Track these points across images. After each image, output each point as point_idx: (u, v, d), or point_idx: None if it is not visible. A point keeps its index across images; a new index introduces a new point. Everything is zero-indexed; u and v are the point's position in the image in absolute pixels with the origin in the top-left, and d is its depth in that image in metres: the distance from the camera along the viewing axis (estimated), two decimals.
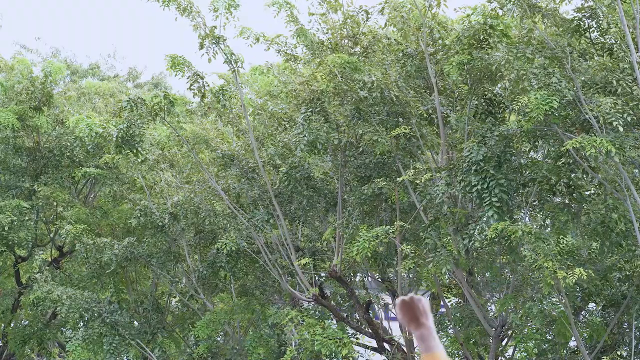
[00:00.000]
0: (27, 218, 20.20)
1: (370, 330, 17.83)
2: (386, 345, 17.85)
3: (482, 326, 16.04)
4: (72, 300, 18.56)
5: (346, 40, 16.82)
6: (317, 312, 17.82)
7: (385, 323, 19.67)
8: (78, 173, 19.91)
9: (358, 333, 18.57)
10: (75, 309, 18.51)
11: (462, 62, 14.37)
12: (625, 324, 16.48)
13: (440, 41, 15.61)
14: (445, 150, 15.88)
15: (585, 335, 16.46)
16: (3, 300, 22.97)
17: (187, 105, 20.16)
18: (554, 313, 15.18)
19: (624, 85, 13.53)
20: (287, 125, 17.82)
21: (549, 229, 16.14)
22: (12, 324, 22.97)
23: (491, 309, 18.05)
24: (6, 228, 19.36)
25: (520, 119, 13.39)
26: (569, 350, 17.00)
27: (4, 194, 20.74)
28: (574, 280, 12.98)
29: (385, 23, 16.26)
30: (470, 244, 14.29)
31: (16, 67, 21.78)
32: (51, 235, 22.70)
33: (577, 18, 13.90)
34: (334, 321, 17.59)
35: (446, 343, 18.58)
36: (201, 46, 16.16)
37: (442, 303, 18.43)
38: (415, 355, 17.99)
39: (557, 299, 15.79)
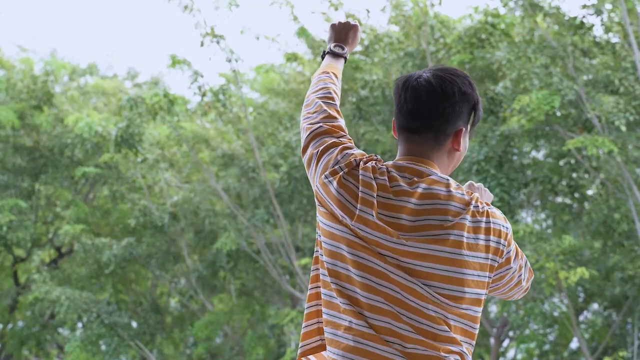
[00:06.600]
0: (25, 218, 20.09)
1: None
2: None
3: (483, 326, 15.96)
4: (70, 301, 18.46)
5: None
6: None
7: None
8: (78, 172, 19.80)
9: None
10: (73, 310, 18.42)
11: (463, 61, 14.32)
12: (628, 324, 16.41)
13: (441, 40, 15.55)
14: None
15: (587, 336, 16.39)
16: (0, 301, 22.86)
17: (186, 105, 20.04)
18: (556, 314, 15.11)
19: (627, 84, 13.47)
20: (288, 125, 17.74)
21: (551, 228, 16.08)
22: (9, 325, 22.85)
23: (492, 310, 17.97)
24: (4, 228, 19.24)
25: (522, 117, 13.33)
26: (570, 351, 16.93)
27: (2, 193, 20.62)
28: (575, 281, 12.92)
29: (387, 22, 16.20)
30: None
31: (17, 65, 21.67)
32: (50, 236, 22.60)
33: (581, 15, 13.83)
34: None
35: None
36: (202, 44, 16.10)
37: None
38: None
39: (559, 300, 15.73)
